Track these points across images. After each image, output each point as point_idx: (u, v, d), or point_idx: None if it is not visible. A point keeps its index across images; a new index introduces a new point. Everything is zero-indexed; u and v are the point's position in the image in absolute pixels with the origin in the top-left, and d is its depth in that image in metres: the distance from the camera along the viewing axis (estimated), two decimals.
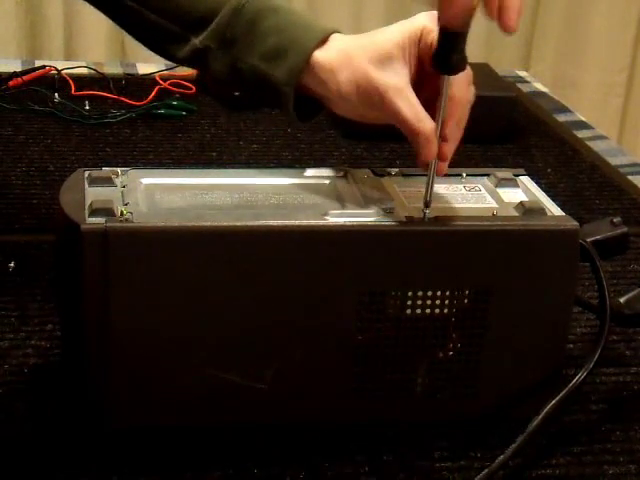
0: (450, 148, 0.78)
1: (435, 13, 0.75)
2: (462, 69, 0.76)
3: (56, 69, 1.48)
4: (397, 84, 0.77)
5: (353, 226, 0.74)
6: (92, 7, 0.91)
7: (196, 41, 0.85)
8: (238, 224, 0.73)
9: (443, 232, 0.75)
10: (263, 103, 0.85)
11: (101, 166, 0.80)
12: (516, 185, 0.83)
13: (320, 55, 0.79)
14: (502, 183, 0.83)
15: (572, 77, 2.54)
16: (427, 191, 0.76)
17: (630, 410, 0.83)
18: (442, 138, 0.77)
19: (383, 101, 0.77)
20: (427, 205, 0.76)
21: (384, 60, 0.78)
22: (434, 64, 0.75)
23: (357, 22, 2.36)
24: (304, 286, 0.73)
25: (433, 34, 0.77)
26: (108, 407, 0.74)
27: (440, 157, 0.77)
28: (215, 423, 0.76)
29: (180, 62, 0.88)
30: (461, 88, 0.80)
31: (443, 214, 0.76)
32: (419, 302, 0.75)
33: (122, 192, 0.76)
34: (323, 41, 0.80)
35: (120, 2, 0.88)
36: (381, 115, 0.79)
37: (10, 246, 1.02)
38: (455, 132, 0.79)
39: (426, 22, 0.78)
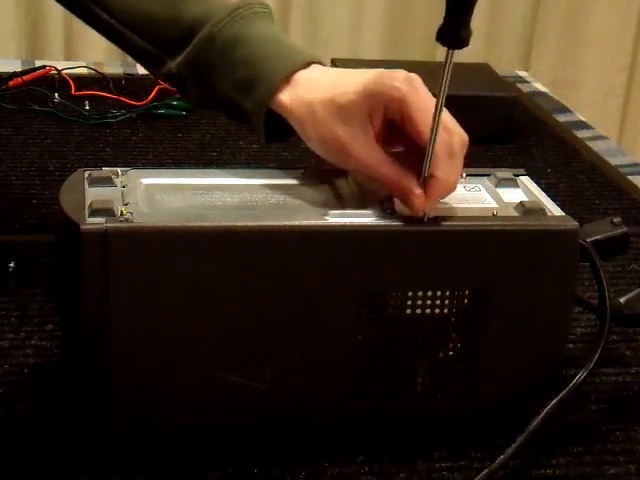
0: (440, 186, 0.75)
1: (413, 77, 0.75)
2: (467, 43, 0.73)
3: (56, 69, 1.48)
4: (364, 146, 0.76)
5: (353, 226, 0.74)
6: None
7: (172, 65, 0.85)
8: (238, 224, 0.73)
9: (443, 232, 0.75)
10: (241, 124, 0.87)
11: (101, 166, 0.80)
12: (516, 185, 0.83)
13: (284, 98, 0.80)
14: (502, 183, 0.83)
15: (572, 77, 2.54)
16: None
17: (630, 410, 0.83)
18: (432, 175, 0.74)
19: (354, 162, 0.77)
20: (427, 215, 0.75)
21: (346, 117, 0.76)
22: (439, 38, 0.73)
23: (357, 22, 2.36)
24: (304, 286, 0.73)
25: (405, 108, 0.75)
26: (108, 407, 0.74)
27: (428, 196, 0.75)
28: (215, 423, 0.76)
29: (163, 79, 0.89)
30: (449, 120, 0.77)
31: (443, 214, 0.76)
32: (419, 302, 0.75)
33: (122, 192, 0.76)
34: (287, 78, 0.80)
35: (99, 18, 0.88)
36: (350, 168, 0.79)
37: (10, 246, 1.02)
38: (448, 168, 0.75)
39: (395, 91, 0.75)
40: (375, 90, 0.76)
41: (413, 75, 0.77)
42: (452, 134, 0.76)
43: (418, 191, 0.74)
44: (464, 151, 0.77)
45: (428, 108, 0.74)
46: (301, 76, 0.81)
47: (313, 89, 0.79)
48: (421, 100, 0.75)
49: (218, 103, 0.85)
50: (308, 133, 0.79)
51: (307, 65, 0.81)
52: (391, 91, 0.75)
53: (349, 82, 0.78)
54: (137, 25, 0.87)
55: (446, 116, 0.75)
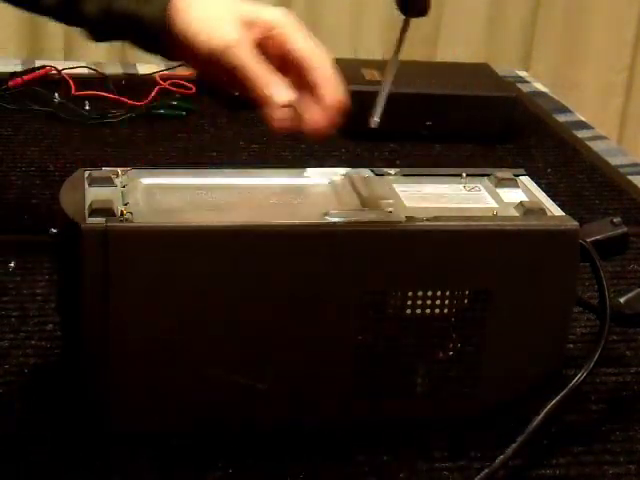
0: (321, 112, 0.76)
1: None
2: (425, 13, 0.78)
3: (56, 69, 1.47)
4: (239, 42, 0.78)
5: (353, 226, 0.74)
6: None
7: None
8: (238, 224, 0.73)
9: (443, 232, 0.75)
10: (140, 45, 0.87)
11: (101, 166, 0.80)
12: (516, 185, 0.83)
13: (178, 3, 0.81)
14: (502, 183, 0.83)
15: (572, 77, 2.54)
16: (378, 102, 0.79)
17: (630, 410, 0.83)
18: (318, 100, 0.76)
19: (225, 50, 0.78)
20: (375, 119, 0.79)
21: (234, 23, 0.78)
22: (399, 6, 0.77)
23: (357, 22, 2.36)
24: (304, 286, 0.73)
25: (280, 34, 0.78)
26: (108, 407, 0.74)
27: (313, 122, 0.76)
28: (215, 423, 0.76)
29: (49, 12, 0.89)
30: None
31: (443, 214, 0.76)
32: (419, 302, 0.75)
33: (122, 192, 0.76)
34: None
35: None
36: (222, 66, 0.79)
37: (10, 246, 1.02)
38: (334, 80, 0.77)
39: (277, 18, 0.79)
40: (260, 17, 0.79)
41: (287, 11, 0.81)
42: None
43: (281, 82, 0.76)
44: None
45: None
46: None
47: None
48: (299, 33, 0.79)
49: (117, 20, 0.85)
50: (190, 13, 0.80)
51: None
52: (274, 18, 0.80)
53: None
54: None
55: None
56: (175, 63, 1.49)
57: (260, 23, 0.79)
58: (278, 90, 0.76)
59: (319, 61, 0.78)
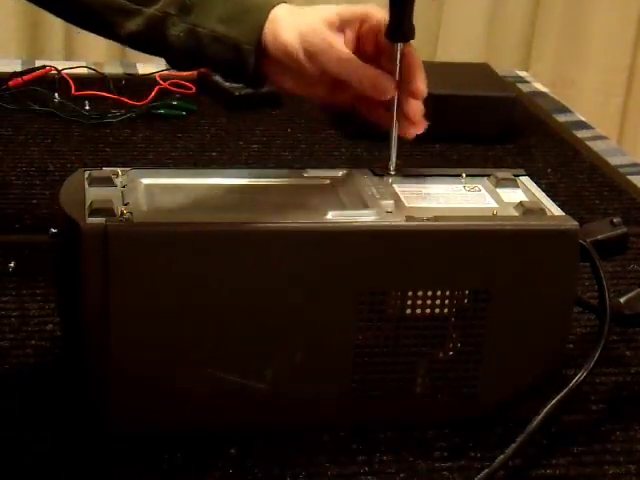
0: (420, 105, 0.82)
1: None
2: (412, 36, 0.81)
3: (56, 69, 1.48)
4: (340, 42, 0.82)
5: (353, 226, 0.74)
6: None
7: (152, 10, 0.85)
8: (238, 224, 0.73)
9: (443, 232, 0.75)
10: (221, 70, 0.87)
11: (101, 166, 0.80)
12: (516, 185, 0.83)
13: (275, 15, 0.83)
14: (502, 183, 0.83)
15: (572, 77, 2.54)
16: (391, 153, 0.82)
17: (630, 410, 0.83)
18: (411, 95, 0.82)
19: (330, 49, 0.81)
20: (391, 168, 0.82)
21: (329, 27, 0.82)
22: (386, 34, 0.81)
23: None
24: (304, 286, 0.73)
25: (378, 21, 0.82)
26: (108, 407, 0.74)
27: (412, 117, 0.82)
28: (215, 423, 0.76)
29: (130, 37, 0.88)
30: (412, 52, 0.83)
31: (443, 214, 0.76)
32: (419, 302, 0.75)
33: (122, 192, 0.76)
34: (278, 4, 0.84)
35: None
36: (325, 68, 0.82)
37: (10, 246, 1.02)
38: (422, 89, 0.82)
39: (369, 10, 0.83)
40: (349, 11, 0.83)
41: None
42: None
43: (384, 73, 0.81)
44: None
45: None
46: (284, 4, 0.85)
47: (299, 11, 0.84)
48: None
49: (202, 43, 0.85)
50: (289, 41, 0.82)
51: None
52: (365, 7, 0.83)
53: (328, 7, 0.84)
54: None
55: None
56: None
57: (355, 20, 0.82)
58: (382, 78, 0.81)
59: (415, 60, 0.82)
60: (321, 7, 0.84)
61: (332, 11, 0.83)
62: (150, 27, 0.86)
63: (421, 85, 0.82)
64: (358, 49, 0.83)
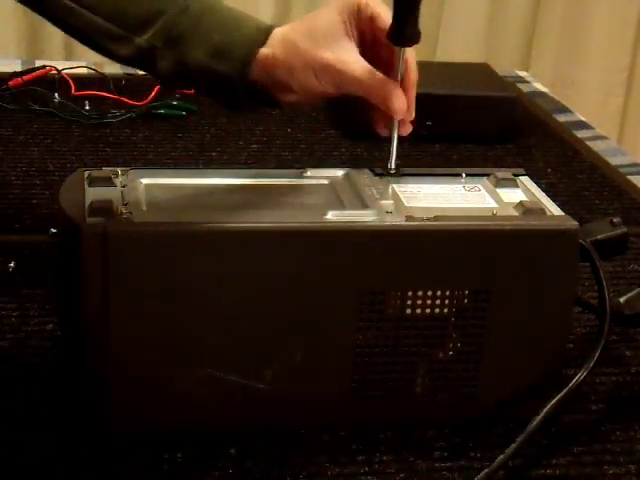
0: (412, 108, 0.82)
1: None
2: (417, 41, 0.80)
3: (56, 69, 1.48)
4: (349, 57, 0.81)
5: (353, 226, 0.74)
6: None
7: (141, 40, 0.86)
8: (238, 224, 0.73)
9: (443, 232, 0.75)
10: (212, 97, 0.88)
11: (101, 166, 0.80)
12: (516, 185, 0.83)
13: (263, 50, 0.83)
14: (502, 183, 0.83)
15: (572, 77, 2.53)
16: (391, 153, 0.82)
17: (630, 410, 0.83)
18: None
19: (341, 75, 0.81)
20: (391, 167, 0.82)
21: (330, 41, 0.81)
22: (389, 38, 0.80)
23: None
24: (304, 286, 0.73)
25: (371, 7, 0.81)
26: (108, 407, 0.74)
27: (408, 116, 0.82)
28: (215, 423, 0.76)
29: (122, 61, 0.89)
30: (412, 55, 0.83)
31: (443, 214, 0.76)
32: (419, 302, 0.75)
33: (122, 192, 0.76)
34: (266, 36, 0.84)
35: (58, 4, 0.89)
36: (340, 88, 0.82)
37: (10, 246, 1.02)
38: (413, 95, 0.83)
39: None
40: (345, 3, 0.82)
41: None
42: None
43: (399, 90, 0.80)
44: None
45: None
46: (276, 32, 0.84)
47: (290, 32, 0.84)
48: (382, 6, 0.83)
49: (191, 73, 0.86)
50: (296, 69, 0.82)
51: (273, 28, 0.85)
52: None
53: (320, 11, 0.83)
54: (102, 7, 0.88)
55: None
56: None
57: (353, 11, 0.82)
58: (396, 99, 0.80)
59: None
60: (321, 17, 0.83)
61: (324, 20, 0.82)
62: (139, 56, 0.87)
63: (412, 92, 0.82)
64: (360, 42, 0.83)
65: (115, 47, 0.88)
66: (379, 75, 0.80)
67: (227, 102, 0.87)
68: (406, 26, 0.79)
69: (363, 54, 0.82)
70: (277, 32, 0.84)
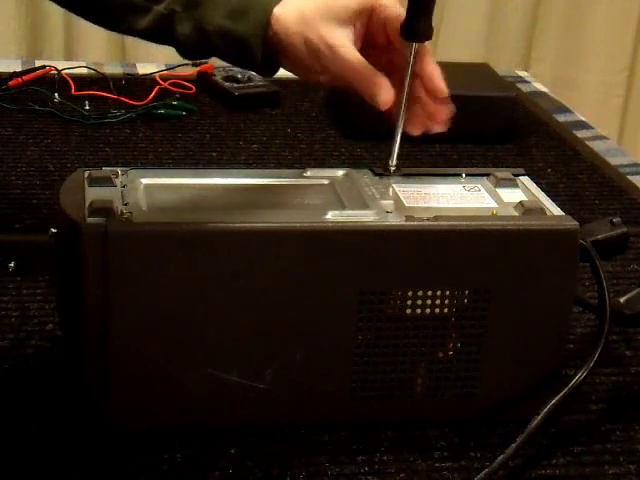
0: (448, 110, 0.83)
1: None
2: (429, 37, 0.81)
3: (56, 69, 1.48)
4: (345, 42, 0.81)
5: (353, 226, 0.74)
6: None
7: (159, 8, 0.86)
8: (238, 224, 0.73)
9: (443, 232, 0.75)
10: (231, 61, 0.88)
11: (101, 166, 0.80)
12: (516, 185, 0.83)
13: (278, 11, 0.83)
14: (502, 183, 0.83)
15: (572, 77, 2.54)
16: (393, 150, 0.82)
17: (630, 410, 0.83)
18: (433, 93, 0.82)
19: (332, 55, 0.81)
20: (392, 164, 0.83)
21: (334, 23, 0.82)
22: (401, 33, 0.80)
23: None
24: (304, 286, 0.73)
25: (386, 10, 0.82)
26: (108, 407, 0.74)
27: (438, 119, 0.82)
28: (215, 423, 0.76)
29: (140, 33, 0.89)
30: (428, 52, 0.83)
31: (443, 214, 0.76)
32: (419, 302, 0.75)
33: (122, 192, 0.76)
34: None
35: None
36: (328, 68, 0.83)
37: (10, 246, 1.02)
38: (442, 88, 0.82)
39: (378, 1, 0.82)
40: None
41: None
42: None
43: (386, 82, 0.80)
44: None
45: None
46: None
47: (305, 1, 0.84)
48: (398, 5, 0.83)
49: (210, 37, 0.86)
50: (293, 37, 0.82)
51: None
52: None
53: None
54: None
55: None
56: (175, 63, 1.50)
57: (369, 8, 0.82)
58: (382, 91, 0.81)
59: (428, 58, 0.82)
60: (331, 2, 0.83)
61: (341, 4, 0.82)
62: (159, 24, 0.87)
63: (441, 84, 0.82)
64: (368, 40, 0.83)
65: (134, 19, 0.88)
66: (369, 65, 0.81)
67: (246, 65, 0.87)
68: (418, 22, 0.79)
69: (365, 52, 0.82)
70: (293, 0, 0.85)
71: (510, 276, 0.76)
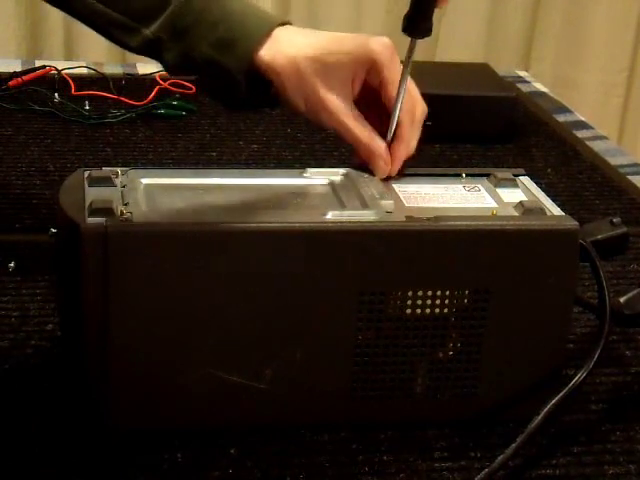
0: (403, 149, 0.82)
1: (392, 45, 0.81)
2: (429, 34, 0.80)
3: (56, 69, 1.48)
4: (344, 105, 0.81)
5: (353, 226, 0.74)
6: None
7: (147, 32, 0.87)
8: (238, 224, 0.73)
9: (443, 232, 0.75)
10: (218, 90, 0.88)
11: (101, 166, 0.80)
12: (516, 185, 0.83)
13: (266, 55, 0.82)
14: (502, 183, 0.83)
15: (572, 77, 2.54)
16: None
17: (630, 410, 0.83)
18: (396, 138, 0.82)
19: (332, 119, 0.82)
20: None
21: (333, 83, 0.81)
22: (404, 29, 0.80)
23: (357, 22, 2.36)
24: (304, 286, 0.73)
25: (383, 73, 0.81)
26: (108, 407, 0.74)
27: (392, 158, 0.82)
28: (215, 423, 0.76)
29: (132, 50, 0.90)
30: (414, 89, 0.84)
31: (443, 214, 0.76)
32: (419, 302, 0.75)
33: (122, 192, 0.76)
34: (268, 34, 0.83)
35: None
36: (324, 125, 0.83)
37: (10, 246, 1.02)
38: (410, 133, 0.83)
39: (380, 56, 0.81)
40: (363, 55, 0.81)
41: (390, 42, 0.83)
42: (416, 103, 0.83)
43: (385, 154, 0.81)
44: (423, 120, 0.84)
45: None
46: (281, 33, 0.83)
47: (295, 45, 0.82)
48: (397, 68, 0.81)
49: (196, 65, 0.86)
50: (288, 86, 0.82)
51: (283, 24, 0.84)
52: (379, 56, 0.81)
53: (336, 44, 0.82)
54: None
55: (412, 87, 0.83)
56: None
57: (366, 66, 0.81)
58: (380, 162, 0.81)
59: (409, 115, 0.82)
60: (335, 55, 0.82)
61: (337, 64, 0.81)
62: (147, 47, 0.88)
63: (404, 132, 0.82)
64: (364, 90, 0.83)
65: (125, 38, 0.89)
66: (369, 132, 0.82)
67: (229, 99, 0.87)
68: (421, 18, 0.79)
69: (361, 104, 0.83)
70: (282, 34, 0.83)
71: (510, 276, 0.76)
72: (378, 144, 0.81)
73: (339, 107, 0.81)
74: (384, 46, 0.81)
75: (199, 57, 0.84)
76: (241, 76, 0.83)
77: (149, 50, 0.88)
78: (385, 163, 0.81)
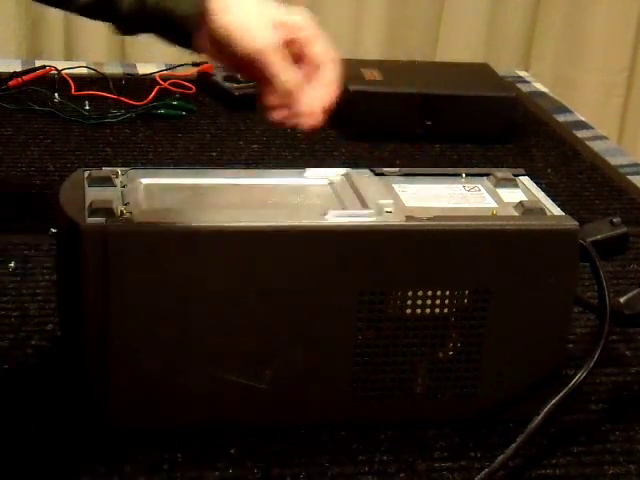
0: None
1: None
2: None
3: (56, 69, 1.48)
4: (275, 42, 0.81)
5: (353, 226, 0.74)
6: None
7: None
8: (238, 224, 0.73)
9: (443, 232, 0.75)
10: (168, 40, 0.88)
11: (101, 166, 0.80)
12: (516, 185, 0.83)
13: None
14: (502, 183, 0.83)
15: (572, 77, 2.53)
16: None
17: (630, 410, 0.83)
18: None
19: (259, 52, 0.81)
20: None
21: (265, 19, 0.82)
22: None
23: (357, 22, 2.36)
24: (304, 286, 0.73)
25: (304, 34, 0.81)
26: (108, 407, 0.74)
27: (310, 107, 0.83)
28: (215, 423, 0.76)
29: (81, 9, 0.88)
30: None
31: (443, 214, 0.76)
32: (419, 302, 0.75)
33: (122, 192, 0.76)
34: None
35: None
36: (261, 60, 0.82)
37: (10, 246, 1.02)
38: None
39: (302, 24, 0.82)
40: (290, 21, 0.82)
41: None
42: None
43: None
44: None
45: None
46: None
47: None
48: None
49: (148, 16, 0.85)
50: (227, 16, 0.81)
51: None
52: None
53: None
54: None
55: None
56: (175, 63, 1.49)
57: (288, 26, 0.82)
58: (289, 73, 0.81)
59: (330, 65, 0.82)
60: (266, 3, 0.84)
61: (272, 11, 0.82)
62: (95, 5, 0.86)
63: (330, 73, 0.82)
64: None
65: None
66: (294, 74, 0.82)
67: (182, 43, 0.87)
68: None
69: None
70: None
71: (510, 276, 0.76)
72: (300, 82, 0.82)
73: (270, 40, 0.81)
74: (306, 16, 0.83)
75: (153, 5, 0.84)
76: (191, 23, 0.83)
77: (100, 3, 0.86)
78: (297, 95, 0.82)
